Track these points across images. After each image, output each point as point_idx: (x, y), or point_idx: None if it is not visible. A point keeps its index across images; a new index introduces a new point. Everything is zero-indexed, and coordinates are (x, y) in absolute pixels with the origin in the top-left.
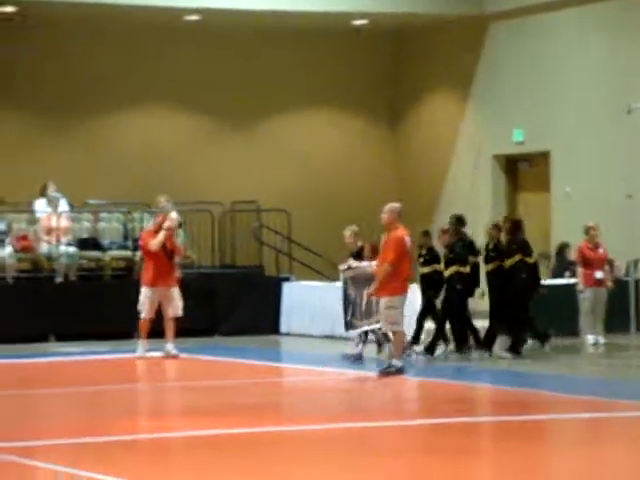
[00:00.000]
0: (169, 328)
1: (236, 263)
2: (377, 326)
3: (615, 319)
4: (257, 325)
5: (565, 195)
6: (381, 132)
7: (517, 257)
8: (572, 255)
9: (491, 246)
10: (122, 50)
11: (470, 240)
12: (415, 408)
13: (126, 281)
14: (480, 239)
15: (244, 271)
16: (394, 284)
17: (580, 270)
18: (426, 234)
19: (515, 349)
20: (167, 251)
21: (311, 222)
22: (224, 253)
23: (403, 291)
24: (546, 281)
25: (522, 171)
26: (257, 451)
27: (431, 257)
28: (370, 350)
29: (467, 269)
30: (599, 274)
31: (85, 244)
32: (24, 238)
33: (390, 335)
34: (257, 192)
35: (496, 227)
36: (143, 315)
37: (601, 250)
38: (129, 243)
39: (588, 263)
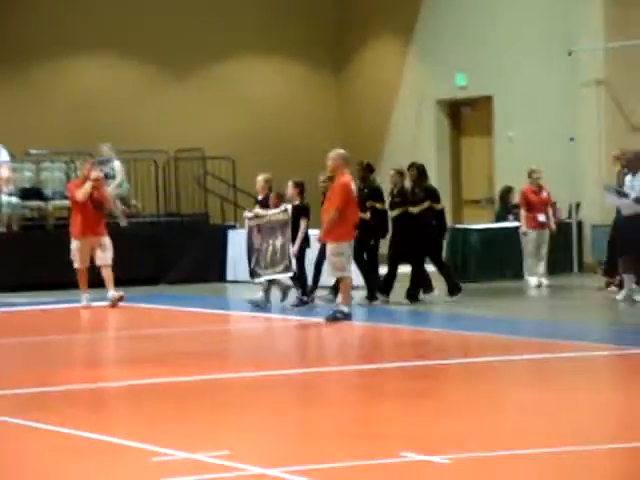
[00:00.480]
0: (105, 276)
1: (181, 211)
2: (281, 276)
3: (558, 261)
4: (203, 273)
5: (508, 139)
6: (325, 78)
7: (426, 204)
8: (516, 199)
9: (395, 192)
10: None
11: (376, 186)
12: (363, 353)
13: (69, 231)
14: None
15: (189, 219)
16: (341, 230)
17: (523, 213)
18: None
19: (413, 296)
20: (95, 202)
21: (256, 169)
22: (169, 202)
23: (350, 237)
24: (491, 224)
25: (465, 116)
26: (199, 398)
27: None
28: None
29: (367, 215)
30: (542, 217)
31: (27, 194)
32: None
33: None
34: (202, 140)
35: (399, 173)
36: (76, 265)
37: (544, 193)
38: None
39: (531, 206)
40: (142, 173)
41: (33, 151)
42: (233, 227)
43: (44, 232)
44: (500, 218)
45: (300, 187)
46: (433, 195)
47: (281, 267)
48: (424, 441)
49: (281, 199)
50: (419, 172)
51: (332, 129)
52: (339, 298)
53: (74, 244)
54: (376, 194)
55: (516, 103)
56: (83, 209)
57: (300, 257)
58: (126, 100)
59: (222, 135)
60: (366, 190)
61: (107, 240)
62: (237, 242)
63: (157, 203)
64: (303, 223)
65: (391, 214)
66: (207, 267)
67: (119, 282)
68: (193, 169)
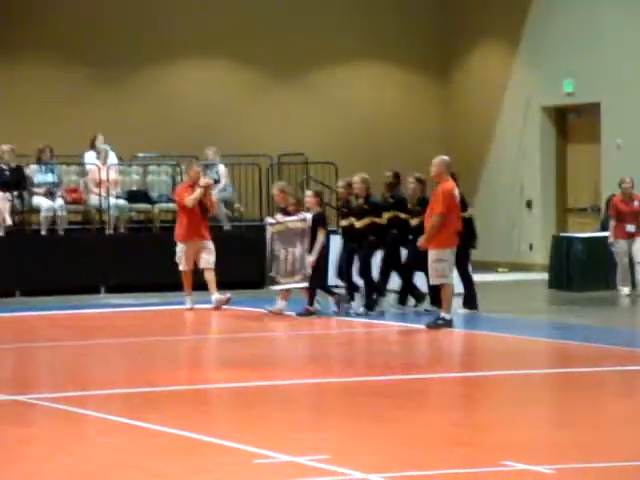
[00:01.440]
0: (208, 279)
1: None
2: (300, 285)
3: None
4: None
5: (616, 147)
6: (429, 84)
7: (391, 213)
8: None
9: (415, 200)
10: (171, 1)
11: (402, 196)
12: (465, 360)
13: (174, 233)
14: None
15: None
16: (442, 236)
17: (612, 223)
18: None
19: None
20: (202, 207)
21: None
22: (272, 206)
23: (452, 244)
24: (595, 233)
25: (572, 122)
26: (301, 402)
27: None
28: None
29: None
30: (630, 227)
31: (134, 197)
32: (74, 190)
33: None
34: (304, 145)
35: (419, 181)
36: (181, 268)
37: (636, 203)
38: None
39: (621, 216)
40: (246, 177)
41: (140, 154)
42: (334, 232)
43: (150, 234)
44: (606, 227)
45: (319, 196)
46: (460, 203)
47: (299, 277)
48: (526, 450)
49: (300, 206)
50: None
51: (436, 134)
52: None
53: (179, 247)
54: (402, 204)
55: (624, 110)
56: (190, 213)
57: (323, 266)
58: (231, 105)
59: (325, 140)
60: (391, 199)
61: (211, 244)
62: (337, 247)
63: (260, 207)
64: (321, 233)
65: (411, 223)
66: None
67: (221, 285)
68: (296, 174)
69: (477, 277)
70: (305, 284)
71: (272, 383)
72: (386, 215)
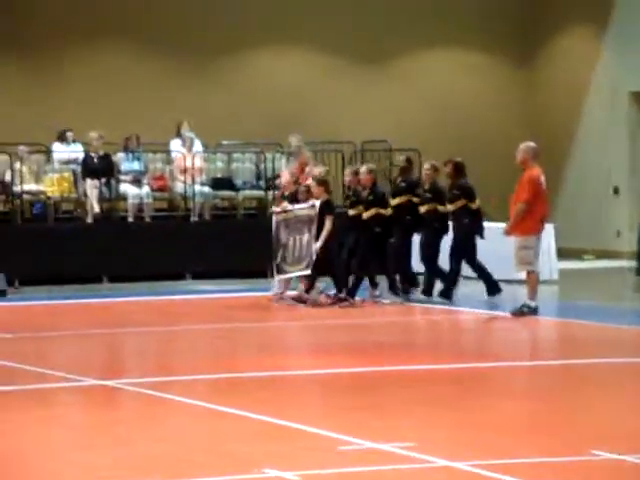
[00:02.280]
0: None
1: None
2: (306, 272)
3: None
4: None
5: None
6: (513, 69)
7: (460, 202)
8: None
9: (427, 188)
10: None
11: (416, 180)
12: (551, 348)
13: (258, 220)
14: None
15: None
16: (528, 223)
17: None
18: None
19: (447, 294)
20: None
21: (441, 161)
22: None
23: (537, 231)
24: None
25: None
26: (386, 389)
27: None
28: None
29: (388, 211)
30: None
31: (219, 184)
32: (160, 178)
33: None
34: (388, 131)
35: (434, 169)
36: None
37: None
38: (261, 183)
39: None
40: (329, 164)
41: (225, 142)
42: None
43: (234, 221)
44: None
45: (324, 184)
46: (469, 193)
47: (304, 264)
48: (617, 439)
49: (311, 194)
50: (455, 168)
51: (520, 120)
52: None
53: None
54: (414, 188)
55: None
56: None
57: (331, 253)
58: (314, 91)
59: (407, 126)
60: (403, 184)
61: None
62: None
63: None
64: (329, 219)
65: (421, 209)
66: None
67: None
68: (379, 160)
69: (563, 265)
70: (308, 271)
71: (357, 370)
72: (397, 200)
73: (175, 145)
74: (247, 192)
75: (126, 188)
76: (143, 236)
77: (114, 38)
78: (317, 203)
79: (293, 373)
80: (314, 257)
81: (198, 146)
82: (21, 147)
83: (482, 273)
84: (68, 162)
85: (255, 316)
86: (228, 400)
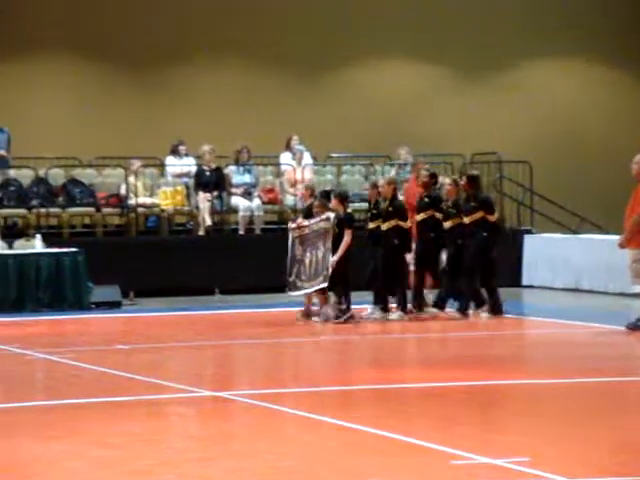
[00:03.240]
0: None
1: None
2: (322, 286)
3: None
4: (498, 277)
5: None
6: (625, 79)
7: (478, 214)
8: None
9: (450, 203)
10: (358, 3)
11: (437, 195)
12: None
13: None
14: None
15: None
16: None
17: None
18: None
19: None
20: None
21: (553, 173)
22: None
23: None
24: None
25: None
26: (499, 403)
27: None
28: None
29: (408, 224)
30: None
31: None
32: (271, 191)
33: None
34: (497, 143)
35: (455, 183)
36: None
37: None
38: None
39: None
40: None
41: (334, 154)
42: (529, 232)
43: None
44: None
45: (342, 198)
46: (486, 205)
47: (320, 279)
48: None
49: (326, 208)
50: (470, 181)
51: (634, 131)
52: None
53: None
54: (437, 203)
55: None
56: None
57: (347, 266)
58: (423, 103)
59: (518, 139)
60: (427, 199)
61: None
62: (533, 247)
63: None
64: (348, 233)
65: (445, 225)
66: (502, 271)
67: None
68: (489, 173)
69: None
70: (324, 285)
71: (469, 383)
72: (421, 215)
73: (285, 158)
74: (357, 204)
75: (237, 201)
76: (253, 248)
77: (226, 54)
78: (332, 215)
79: (404, 386)
80: (330, 270)
81: (308, 159)
82: (135, 161)
83: (491, 290)
84: (181, 175)
85: (367, 329)
86: (340, 413)
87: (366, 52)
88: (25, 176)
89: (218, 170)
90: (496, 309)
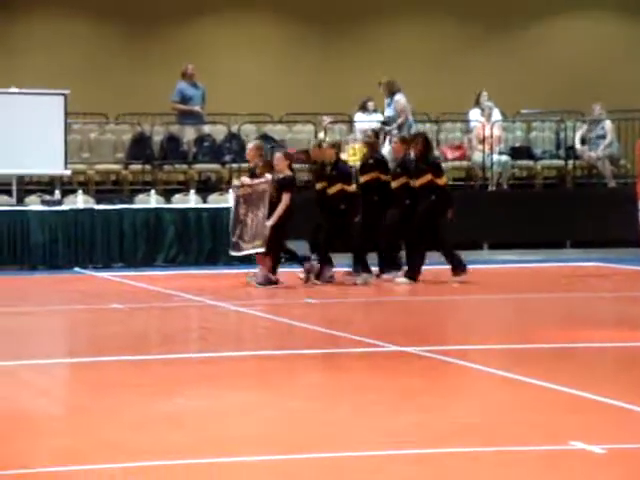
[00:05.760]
0: None
1: None
2: (261, 250)
3: None
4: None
5: None
6: None
7: (426, 177)
8: None
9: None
10: None
11: (381, 157)
12: None
13: (557, 191)
14: None
15: None
16: None
17: None
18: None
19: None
20: None
21: None
22: None
23: None
24: None
25: None
26: None
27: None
28: None
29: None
30: None
31: (517, 153)
32: (459, 147)
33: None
34: None
35: (403, 141)
36: None
37: None
38: (561, 152)
39: None
40: (633, 133)
41: (524, 111)
42: None
43: (532, 191)
44: None
45: (289, 159)
46: (435, 168)
47: (258, 242)
48: None
49: (270, 169)
50: (423, 143)
51: None
52: None
53: None
54: (382, 165)
55: None
56: None
57: (283, 231)
58: (616, 59)
59: None
60: (371, 161)
61: None
62: None
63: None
64: (286, 196)
65: (392, 185)
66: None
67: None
68: None
69: None
70: (263, 249)
71: None
72: (365, 177)
73: (474, 114)
74: (546, 162)
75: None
76: None
77: (416, 11)
78: (270, 177)
79: (595, 345)
80: (266, 234)
81: (497, 115)
82: (325, 117)
83: (447, 250)
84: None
85: (547, 287)
86: (529, 370)
87: (552, 5)
88: (219, 132)
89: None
90: (458, 268)
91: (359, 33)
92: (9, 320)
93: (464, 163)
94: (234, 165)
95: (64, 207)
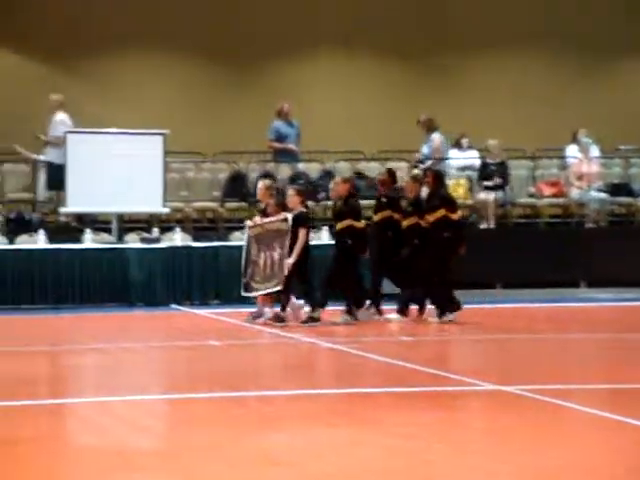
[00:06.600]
0: None
1: None
2: (276, 289)
3: None
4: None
5: None
6: None
7: (440, 212)
8: None
9: (410, 200)
10: None
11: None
12: None
13: None
14: None
15: None
16: None
17: None
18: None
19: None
20: None
21: None
22: None
23: None
24: None
25: None
26: None
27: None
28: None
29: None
30: None
31: (616, 190)
32: (555, 184)
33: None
34: None
35: (415, 179)
36: None
37: None
38: None
39: None
40: None
41: (622, 147)
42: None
43: (632, 228)
44: None
45: (302, 195)
46: (448, 203)
47: (275, 281)
48: None
49: (283, 208)
50: (434, 178)
51: None
52: None
53: None
54: (395, 204)
55: None
56: None
57: (304, 269)
58: None
59: None
60: (384, 199)
61: None
62: None
63: None
64: (302, 233)
65: (403, 224)
66: None
67: None
68: None
69: None
70: (279, 288)
71: None
72: (377, 217)
73: (571, 151)
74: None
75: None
76: (537, 242)
77: (506, 50)
78: (289, 216)
79: None
80: (286, 272)
81: (595, 151)
82: (417, 154)
83: (444, 292)
84: (464, 168)
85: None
86: (630, 411)
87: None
88: (313, 169)
89: (502, 164)
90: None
91: (455, 68)
92: (108, 355)
93: (560, 200)
94: (328, 202)
95: (162, 245)
